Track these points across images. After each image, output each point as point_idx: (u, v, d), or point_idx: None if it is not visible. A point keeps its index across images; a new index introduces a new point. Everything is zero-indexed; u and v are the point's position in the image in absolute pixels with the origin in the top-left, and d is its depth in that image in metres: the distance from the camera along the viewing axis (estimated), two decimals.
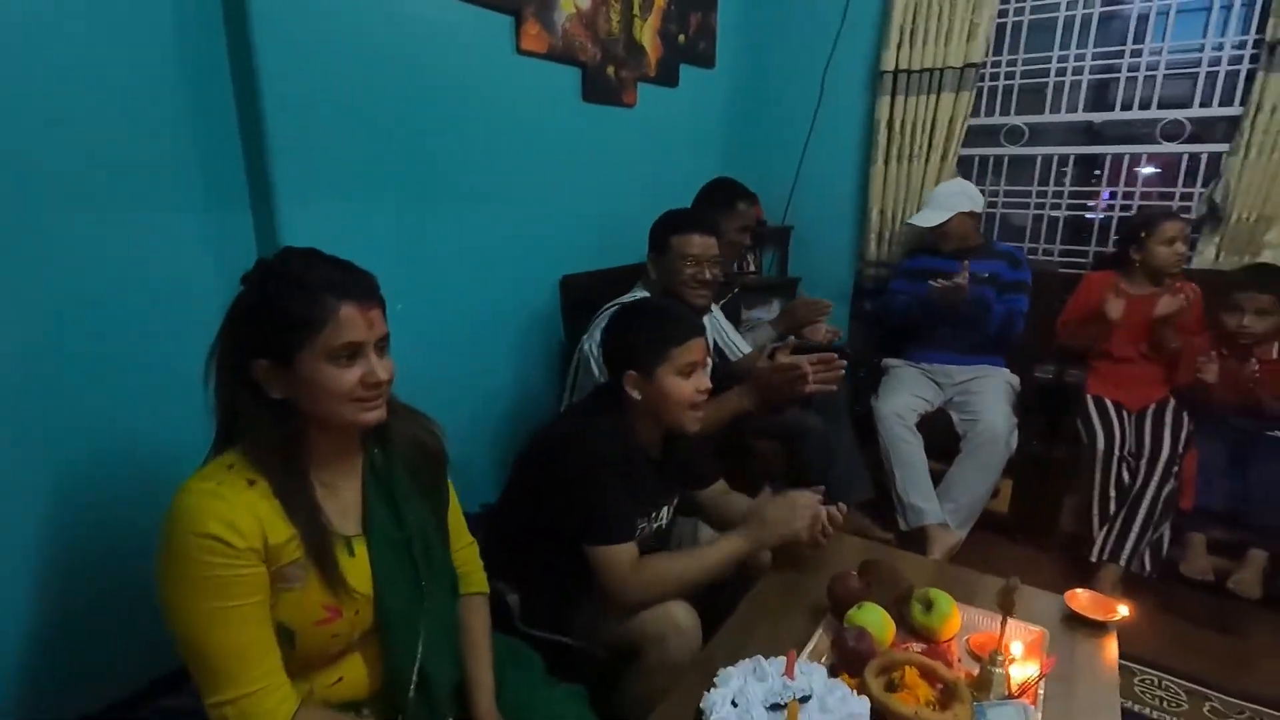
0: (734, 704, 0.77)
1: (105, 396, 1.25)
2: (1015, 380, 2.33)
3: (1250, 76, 2.24)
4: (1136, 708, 1.58)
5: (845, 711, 0.75)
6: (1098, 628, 1.12)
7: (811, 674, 0.81)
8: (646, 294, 1.81)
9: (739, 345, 1.99)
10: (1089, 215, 2.71)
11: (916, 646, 1.04)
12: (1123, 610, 1.11)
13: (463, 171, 1.93)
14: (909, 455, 2.20)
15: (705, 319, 1.92)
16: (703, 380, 1.27)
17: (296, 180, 1.46)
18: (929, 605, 1.06)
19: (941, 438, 2.26)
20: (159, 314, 1.31)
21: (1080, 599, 1.15)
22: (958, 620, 1.07)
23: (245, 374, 0.82)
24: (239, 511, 0.77)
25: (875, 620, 1.02)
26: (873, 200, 2.86)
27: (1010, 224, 2.84)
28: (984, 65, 2.62)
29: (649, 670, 1.15)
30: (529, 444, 1.32)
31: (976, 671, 0.97)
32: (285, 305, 0.81)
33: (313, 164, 1.51)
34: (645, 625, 1.16)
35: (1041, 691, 0.95)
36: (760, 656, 0.85)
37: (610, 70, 2.33)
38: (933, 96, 2.66)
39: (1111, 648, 1.09)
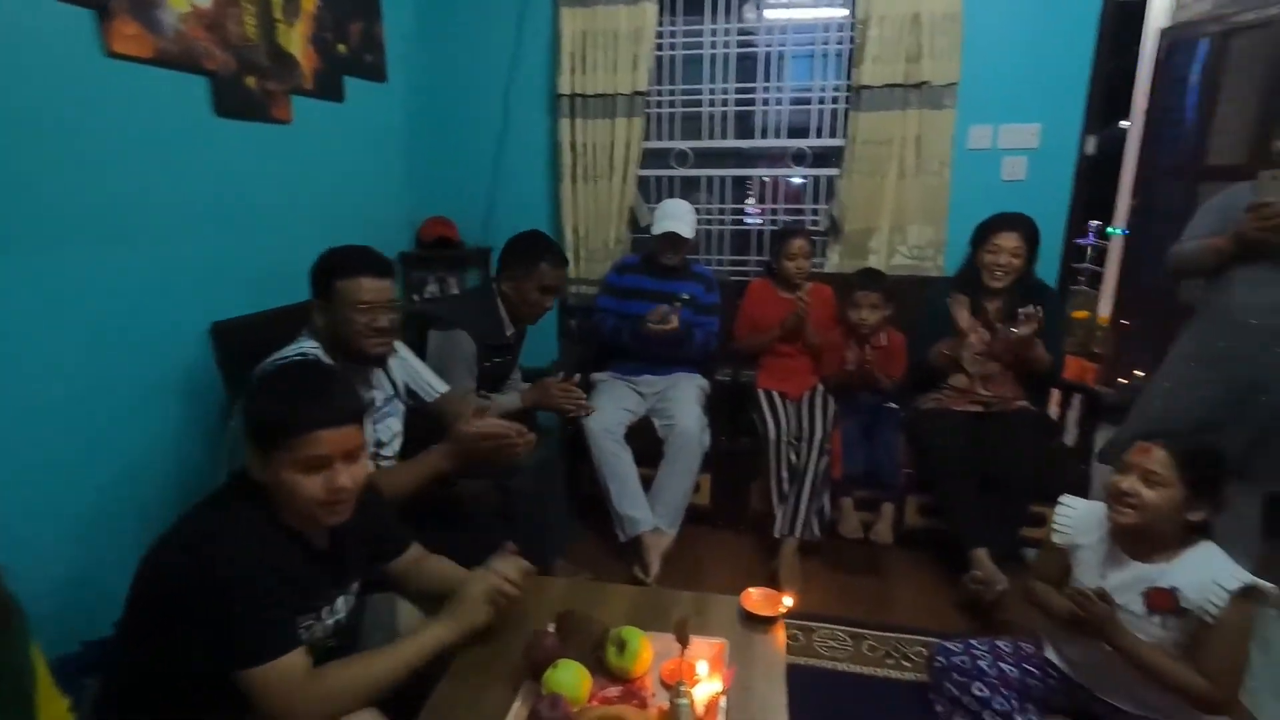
0: None
1: None
2: (705, 383, 2.56)
3: (847, 114, 2.74)
4: (817, 662, 1.83)
5: None
6: (769, 621, 1.24)
7: None
8: (314, 344, 1.58)
9: (433, 384, 1.85)
10: (748, 224, 3.10)
11: (614, 690, 1.05)
12: (787, 602, 1.25)
13: (59, 207, 1.51)
14: (620, 468, 2.29)
15: (392, 361, 1.76)
16: (338, 476, 1.03)
17: None
18: (622, 646, 1.07)
19: (650, 444, 2.40)
20: None
21: (753, 598, 1.26)
22: (649, 653, 1.09)
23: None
24: None
25: (570, 680, 0.99)
26: (566, 219, 2.93)
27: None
28: (649, 93, 2.83)
29: None
30: (145, 557, 1.03)
31: (667, 705, 0.99)
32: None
33: None
34: None
35: (724, 704, 1.01)
36: None
37: (250, 81, 2.02)
38: (608, 120, 2.80)
39: (780, 637, 1.22)
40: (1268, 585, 1.31)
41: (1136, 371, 3.54)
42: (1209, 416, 1.91)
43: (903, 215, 2.74)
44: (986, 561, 2.00)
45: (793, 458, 2.29)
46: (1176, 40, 3.27)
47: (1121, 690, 1.45)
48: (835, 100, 2.80)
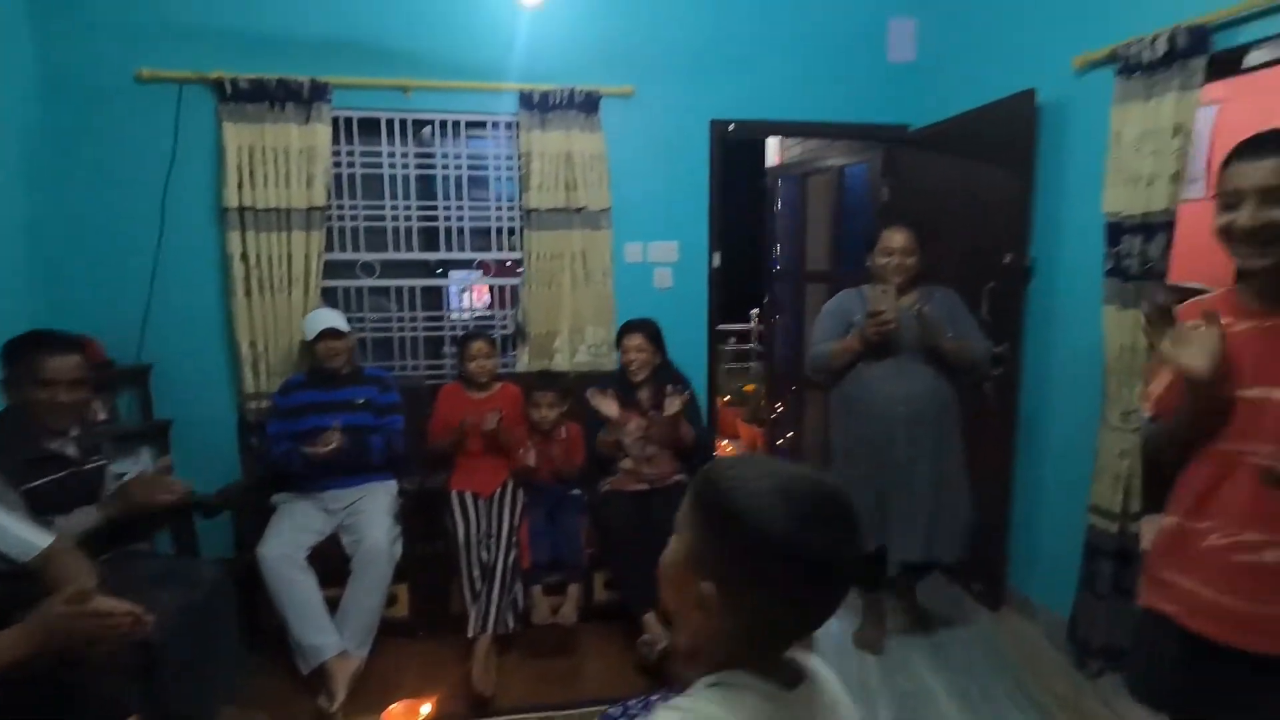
0: None
1: None
2: (395, 489, 2.56)
3: (522, 231, 3.06)
4: None
5: None
6: None
7: None
8: None
9: (28, 542, 1.53)
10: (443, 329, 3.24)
11: None
12: (424, 710, 1.32)
13: None
14: (299, 595, 2.18)
15: None
16: None
17: None
18: None
19: (336, 564, 2.32)
20: None
21: (394, 714, 1.32)
22: None
23: None
24: None
25: None
26: (240, 333, 2.78)
27: (379, 347, 3.15)
28: (329, 208, 2.87)
29: None
30: None
31: None
32: None
33: None
34: None
35: None
36: None
37: None
38: (284, 233, 2.77)
39: None
40: None
41: (788, 433, 4.34)
42: (872, 514, 2.27)
43: (579, 319, 3.11)
44: (653, 624, 2.28)
45: (484, 555, 2.39)
46: (778, 177, 4.25)
47: None
48: (513, 218, 3.11)
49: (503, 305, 3.24)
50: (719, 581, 0.67)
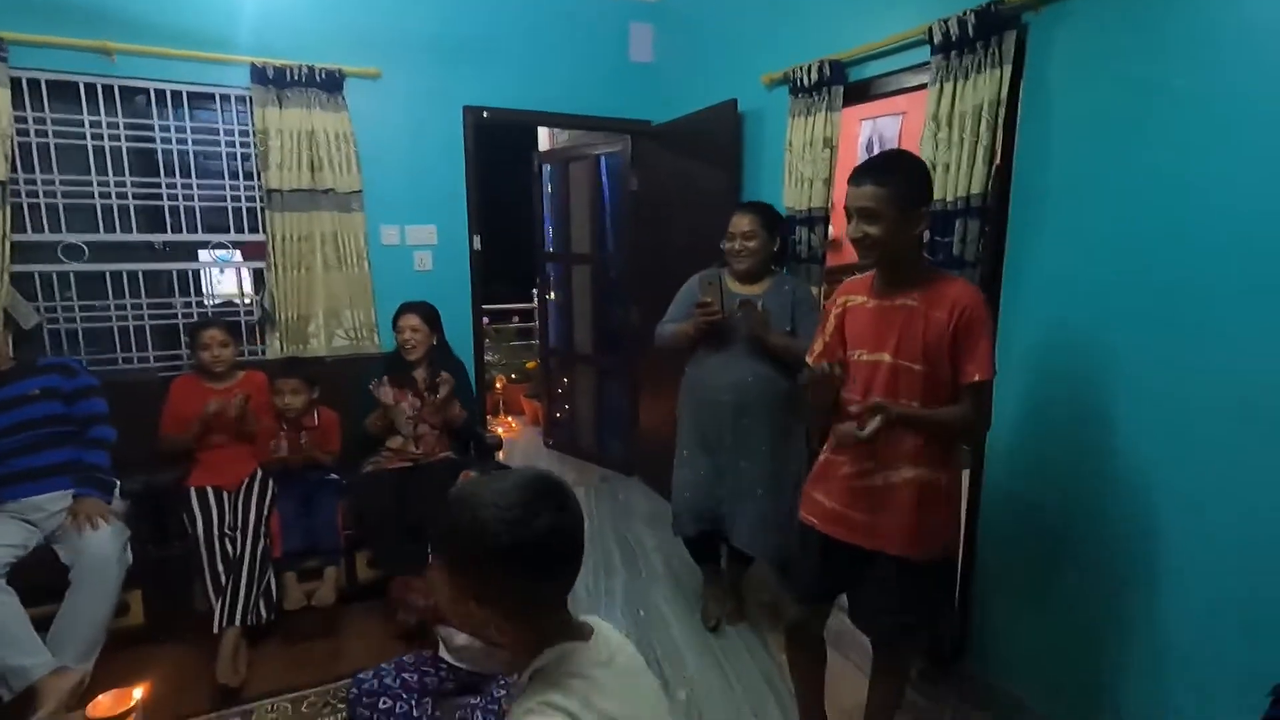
0: None
1: None
2: (117, 496, 2.37)
3: (264, 212, 2.92)
4: None
5: None
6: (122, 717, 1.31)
7: None
8: None
9: None
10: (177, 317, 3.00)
11: None
12: (136, 693, 1.34)
13: None
14: (2, 618, 1.97)
15: None
16: None
17: None
18: None
19: (47, 577, 2.11)
20: None
21: (101, 704, 1.32)
22: None
23: None
24: None
25: None
26: None
27: (96, 337, 2.84)
28: (12, 182, 2.52)
29: None
30: None
31: None
32: None
33: None
34: None
35: None
36: None
37: None
38: None
39: None
40: None
41: (565, 406, 4.60)
42: (710, 491, 2.36)
43: (335, 302, 3.05)
44: (413, 588, 2.38)
45: (229, 549, 2.32)
46: (543, 162, 4.44)
47: (487, 663, 1.95)
48: (252, 198, 2.95)
49: (257, 290, 3.07)
50: (488, 603, 0.81)
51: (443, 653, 2.03)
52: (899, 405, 1.48)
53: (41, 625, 2.06)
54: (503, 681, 1.89)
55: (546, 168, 4.42)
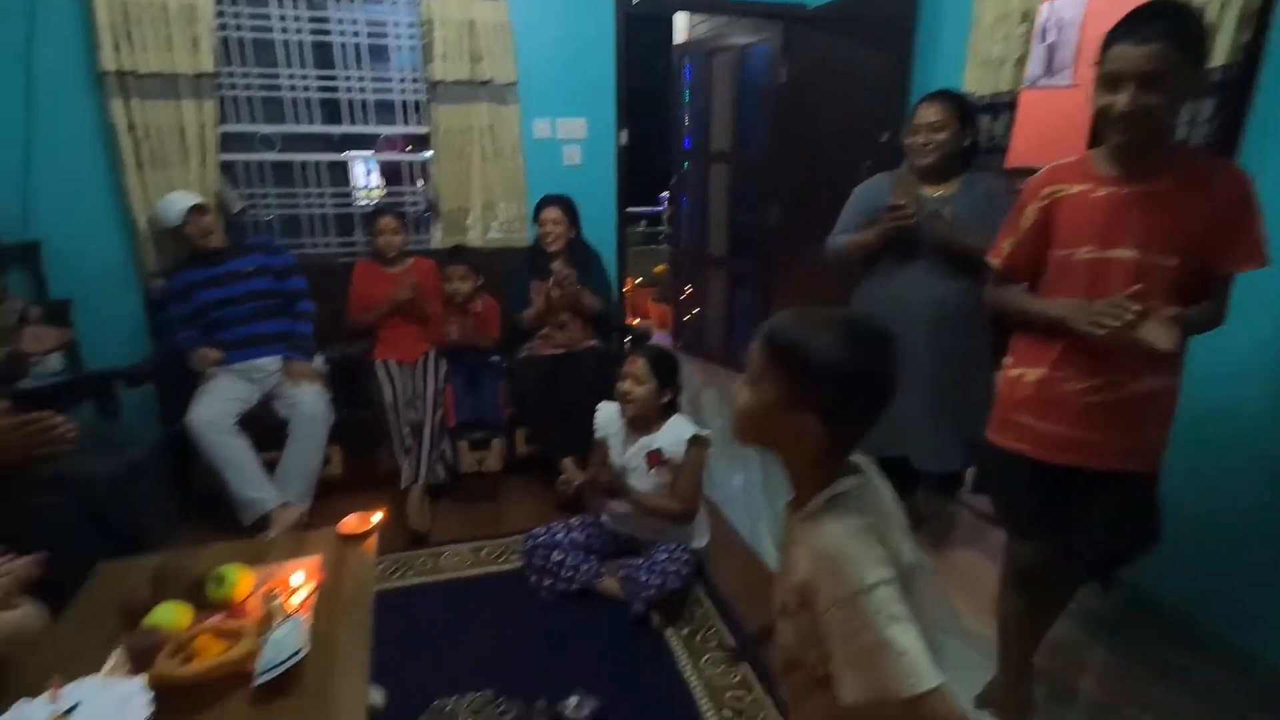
0: None
1: None
2: (319, 359, 2.68)
3: (429, 104, 3.04)
4: (442, 577, 2.20)
5: (115, 698, 0.89)
6: (361, 538, 1.53)
7: (81, 686, 0.91)
8: None
9: None
10: (354, 207, 3.24)
11: (217, 616, 1.24)
12: (376, 517, 1.56)
13: None
14: (235, 457, 2.32)
15: None
16: None
17: None
18: (220, 581, 1.27)
19: (270, 427, 2.46)
20: None
21: (348, 523, 1.55)
22: (250, 582, 1.30)
23: None
24: None
25: (167, 615, 1.16)
26: (136, 210, 2.70)
27: (286, 223, 3.12)
28: (219, 75, 2.75)
29: None
30: None
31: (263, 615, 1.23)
32: None
33: None
34: None
35: (314, 600, 1.29)
36: (22, 700, 0.89)
37: None
38: (173, 103, 2.65)
39: (370, 544, 1.52)
40: (707, 430, 2.04)
41: (695, 309, 4.64)
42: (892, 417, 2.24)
43: (490, 194, 3.18)
44: (570, 466, 2.57)
45: (412, 415, 2.58)
46: (683, 55, 4.29)
47: (645, 529, 2.11)
48: (418, 90, 3.07)
49: (412, 181, 3.25)
50: (814, 413, 0.81)
51: (604, 518, 2.21)
52: (1170, 310, 1.23)
53: (267, 469, 2.42)
54: (662, 547, 2.04)
55: (686, 62, 4.27)
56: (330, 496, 2.59)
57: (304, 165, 3.06)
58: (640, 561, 2.03)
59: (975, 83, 2.36)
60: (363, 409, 2.64)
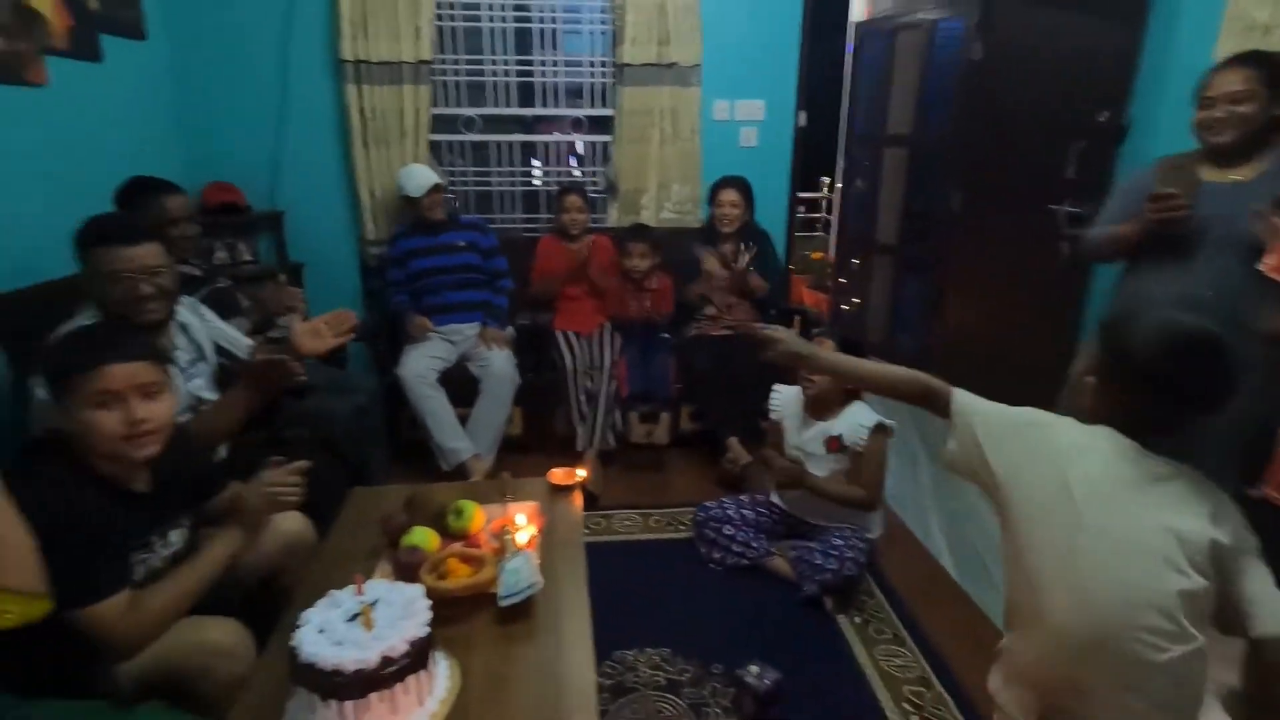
0: (320, 632, 0.97)
1: None
2: (510, 329, 2.89)
3: (614, 87, 3.16)
4: (615, 538, 2.32)
5: (403, 599, 1.04)
6: (567, 490, 1.66)
7: (376, 586, 1.07)
8: (91, 314, 1.55)
9: (239, 341, 1.95)
10: (534, 184, 3.44)
11: (457, 544, 1.39)
12: (580, 473, 1.67)
13: None
14: (435, 408, 2.57)
15: (193, 323, 1.82)
16: (134, 410, 1.12)
17: None
18: (460, 513, 1.42)
19: (463, 386, 2.69)
20: None
21: (556, 475, 1.67)
22: (482, 517, 1.45)
23: None
24: None
25: (422, 538, 1.33)
26: (361, 183, 3.03)
27: (479, 199, 3.38)
28: (435, 62, 3.01)
29: (208, 698, 1.15)
30: None
31: (497, 546, 1.37)
32: None
33: None
34: (180, 664, 1.15)
35: (539, 540, 1.41)
36: (334, 591, 1.06)
37: None
38: (395, 87, 2.94)
39: (577, 499, 1.64)
40: (890, 421, 1.99)
41: (854, 299, 4.50)
42: None
43: (666, 176, 3.25)
44: (736, 445, 2.61)
45: (588, 384, 2.73)
46: (864, 33, 4.12)
47: (818, 513, 2.11)
48: (604, 74, 3.20)
49: (593, 162, 3.39)
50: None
51: (774, 498, 2.22)
52: None
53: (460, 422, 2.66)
54: (837, 532, 2.03)
55: (865, 40, 4.10)
56: (509, 452, 2.80)
57: (498, 145, 3.28)
58: (814, 544, 2.03)
59: (1232, 51, 2.08)
60: (544, 374, 2.82)
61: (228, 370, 1.93)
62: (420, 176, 2.76)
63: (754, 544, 2.12)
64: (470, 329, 2.78)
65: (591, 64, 3.19)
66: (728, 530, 2.14)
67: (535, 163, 3.48)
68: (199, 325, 1.84)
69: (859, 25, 4.23)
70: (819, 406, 2.08)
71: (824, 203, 5.99)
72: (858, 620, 1.93)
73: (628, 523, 2.41)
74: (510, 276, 2.93)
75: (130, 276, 1.49)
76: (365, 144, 2.99)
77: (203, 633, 1.18)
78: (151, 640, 1.12)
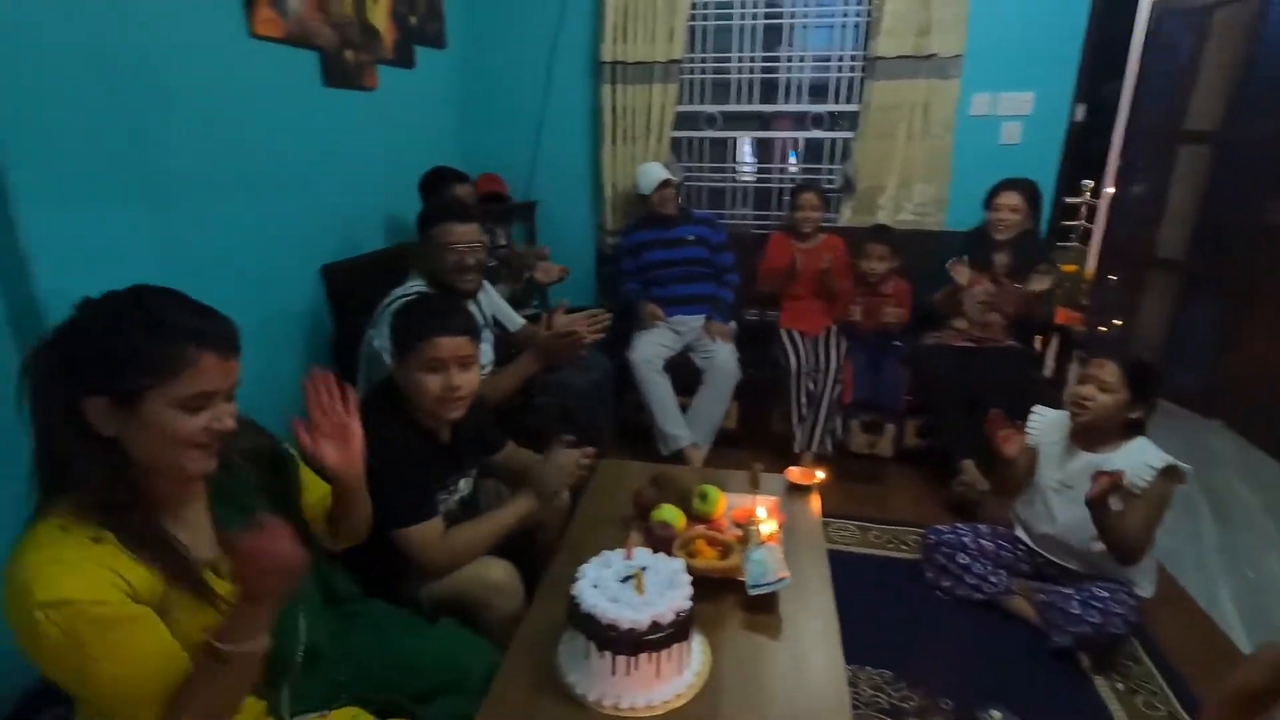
0: (595, 586, 1.06)
1: None
2: (733, 323, 2.92)
3: (863, 82, 3.04)
4: (832, 547, 2.23)
5: (669, 570, 1.09)
6: (806, 490, 1.63)
7: (642, 554, 1.13)
8: (420, 283, 1.89)
9: (514, 317, 2.21)
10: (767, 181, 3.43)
11: (701, 527, 1.43)
12: (820, 475, 1.64)
13: (209, 166, 1.84)
14: (660, 394, 2.67)
15: (480, 297, 2.09)
16: (452, 378, 1.31)
17: (35, 186, 1.32)
18: (704, 497, 1.46)
19: (684, 376, 2.77)
20: None
21: (794, 473, 1.66)
22: (724, 503, 1.49)
23: (74, 412, 0.78)
24: (95, 574, 0.75)
25: (671, 515, 1.39)
26: (605, 177, 3.24)
27: (712, 195, 3.44)
28: (683, 60, 3.12)
29: (488, 626, 1.33)
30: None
31: (740, 533, 1.39)
32: (137, 345, 0.78)
33: (49, 167, 1.37)
34: (468, 594, 1.32)
35: (781, 535, 1.41)
36: (606, 551, 1.14)
37: (348, 55, 2.32)
38: (646, 86, 3.09)
39: (815, 501, 1.61)
40: (1184, 465, 1.70)
41: (1115, 320, 3.92)
42: None
43: (909, 175, 3.07)
44: (972, 469, 2.40)
45: (810, 386, 2.67)
46: (1163, 12, 3.55)
47: (1072, 557, 1.87)
48: (852, 69, 3.09)
49: (831, 160, 3.29)
50: None
51: (1019, 532, 2.01)
52: None
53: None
54: (1101, 583, 1.78)
55: (1165, 20, 3.52)
56: (722, 446, 2.83)
57: (734, 142, 3.32)
58: (1069, 591, 1.80)
59: None
60: (765, 371, 2.82)
61: (501, 340, 2.19)
62: (651, 174, 2.87)
63: (992, 578, 1.93)
64: (695, 321, 2.85)
65: (840, 58, 3.10)
66: (961, 559, 1.97)
67: (747, 159, 3.46)
68: (485, 299, 2.11)
69: (1157, 4, 3.66)
70: (1091, 436, 1.84)
71: (1083, 209, 5.27)
72: (1120, 686, 1.68)
73: (844, 533, 2.33)
74: (737, 271, 2.96)
75: (460, 248, 1.81)
76: (614, 140, 3.19)
77: (487, 570, 1.35)
78: (454, 569, 1.32)
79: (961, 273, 2.64)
